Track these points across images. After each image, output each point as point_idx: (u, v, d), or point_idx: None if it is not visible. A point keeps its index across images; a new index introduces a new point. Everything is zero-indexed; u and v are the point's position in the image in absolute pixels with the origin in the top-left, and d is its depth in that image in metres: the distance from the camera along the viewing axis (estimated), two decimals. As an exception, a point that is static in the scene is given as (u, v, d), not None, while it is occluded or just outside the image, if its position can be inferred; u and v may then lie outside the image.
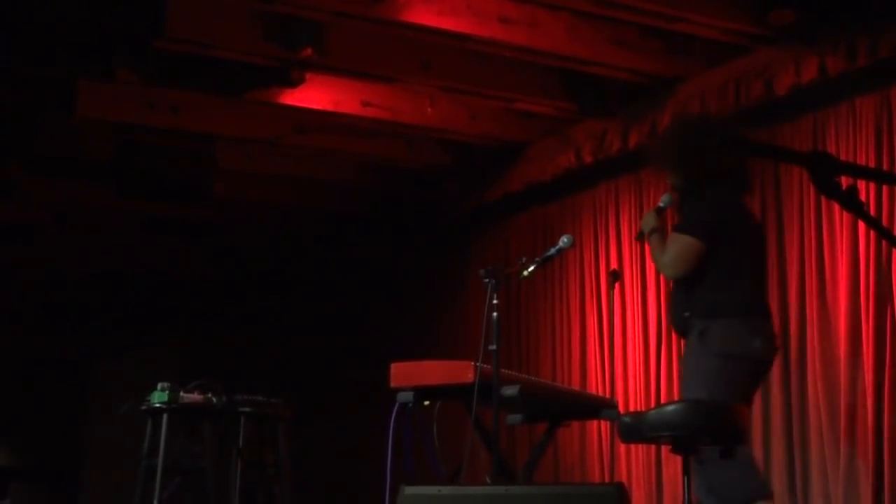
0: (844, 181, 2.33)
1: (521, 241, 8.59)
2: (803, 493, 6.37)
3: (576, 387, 7.66)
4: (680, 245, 5.13)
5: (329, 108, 7.56)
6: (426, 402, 5.31)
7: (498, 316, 5.00)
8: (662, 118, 7.25)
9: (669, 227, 5.56)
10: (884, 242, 5.98)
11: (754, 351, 5.09)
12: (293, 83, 7.20)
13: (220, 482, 6.73)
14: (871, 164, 6.11)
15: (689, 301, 5.17)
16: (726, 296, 5.10)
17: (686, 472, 5.27)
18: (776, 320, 6.59)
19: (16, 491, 15.14)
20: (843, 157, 6.14)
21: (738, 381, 5.06)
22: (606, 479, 7.40)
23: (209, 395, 6.62)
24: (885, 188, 6.02)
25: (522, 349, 8.50)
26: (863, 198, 2.30)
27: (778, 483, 6.48)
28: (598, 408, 5.75)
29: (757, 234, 5.41)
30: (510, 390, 4.97)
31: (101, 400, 15.03)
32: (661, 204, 5.40)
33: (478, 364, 4.90)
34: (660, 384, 7.27)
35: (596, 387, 7.73)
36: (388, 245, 9.87)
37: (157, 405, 6.52)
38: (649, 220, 5.34)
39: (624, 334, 7.57)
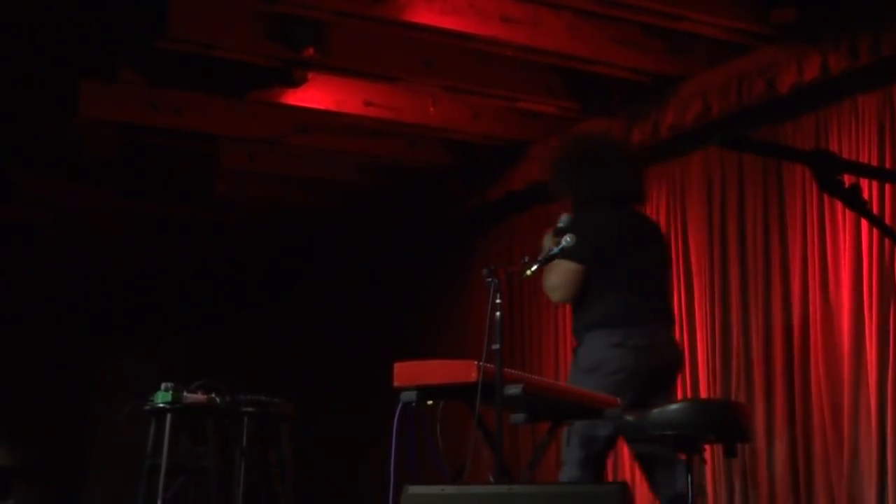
0: (847, 179, 2.32)
1: (523, 240, 8.58)
2: (806, 491, 6.37)
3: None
4: (561, 271, 5.32)
5: (331, 107, 7.57)
6: (429, 402, 5.30)
7: (501, 315, 4.99)
8: (665, 117, 7.25)
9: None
10: (887, 241, 5.98)
11: (614, 361, 5.26)
12: (295, 83, 7.20)
13: (224, 482, 6.73)
14: (874, 162, 6.11)
15: (574, 319, 5.45)
16: (597, 311, 5.32)
17: (689, 471, 5.27)
18: (779, 317, 6.61)
19: (19, 490, 15.16)
20: (845, 156, 6.13)
21: (603, 389, 5.24)
22: (610, 479, 7.39)
23: (212, 395, 6.62)
24: (887, 186, 6.02)
25: (525, 348, 8.50)
26: (865, 196, 2.29)
27: (781, 480, 6.48)
28: (601, 407, 5.75)
29: (650, 244, 5.51)
30: (513, 390, 4.97)
31: (104, 400, 15.05)
32: (559, 224, 5.39)
33: (481, 363, 4.89)
34: (663, 383, 7.26)
35: (599, 386, 7.71)
36: (390, 245, 9.87)
37: (161, 405, 6.52)
38: (546, 242, 5.40)
39: (627, 333, 7.55)
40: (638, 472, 7.31)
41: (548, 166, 5.77)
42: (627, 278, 5.39)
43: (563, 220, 5.45)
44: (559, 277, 5.35)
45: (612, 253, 5.35)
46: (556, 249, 5.33)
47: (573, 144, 5.85)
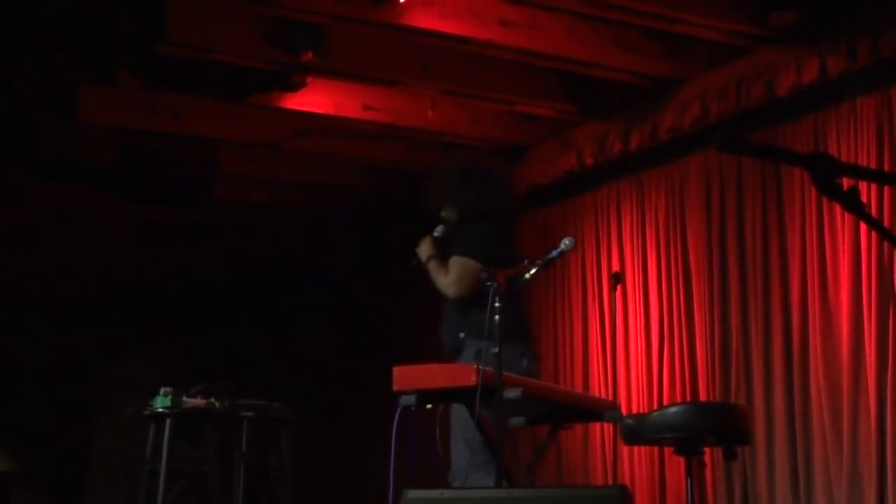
0: (846, 182, 2.32)
1: (522, 243, 8.57)
2: (806, 494, 6.37)
3: (578, 389, 7.66)
4: (462, 266, 5.59)
5: (330, 111, 7.57)
6: (429, 406, 5.31)
7: (500, 319, 5.00)
8: (663, 120, 7.25)
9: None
10: (885, 243, 5.98)
11: (523, 371, 5.41)
12: (294, 87, 7.21)
13: (223, 486, 6.73)
14: (873, 165, 6.10)
15: (463, 322, 5.56)
16: (499, 318, 5.32)
17: (689, 473, 5.28)
18: (778, 320, 6.61)
19: (19, 496, 15.16)
20: (844, 158, 6.14)
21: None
22: (609, 482, 7.40)
23: (212, 400, 6.62)
24: (886, 189, 6.02)
25: (525, 351, 8.49)
26: (864, 199, 2.29)
27: (781, 483, 6.48)
28: (600, 410, 5.75)
29: (518, 262, 5.67)
30: (512, 393, 4.97)
31: (104, 404, 15.05)
32: (435, 234, 5.81)
33: (480, 367, 4.90)
34: (662, 386, 7.27)
35: (598, 389, 7.72)
36: (389, 248, 9.86)
37: (160, 410, 6.52)
38: (426, 248, 5.78)
39: (626, 336, 7.57)
40: (637, 474, 7.32)
41: (436, 177, 5.97)
42: (518, 291, 5.55)
43: (439, 229, 5.81)
44: (462, 272, 5.56)
45: (503, 263, 5.48)
46: (555, 252, 5.34)
47: (465, 161, 6.14)
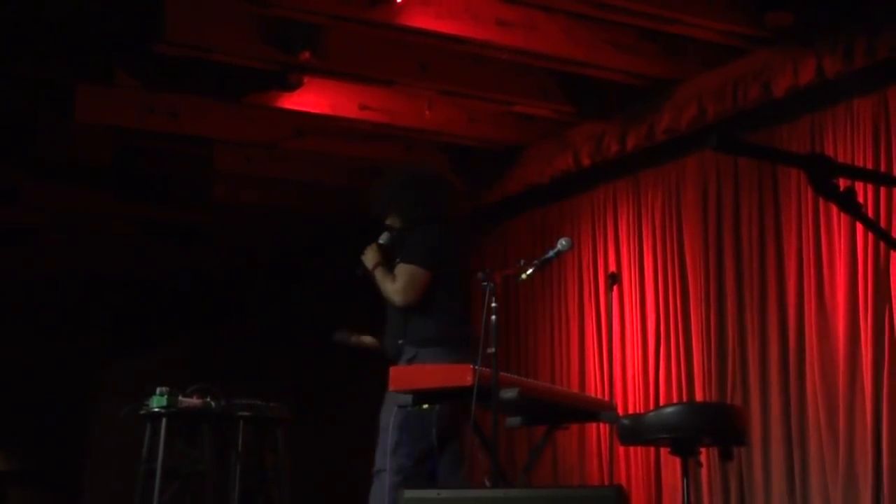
0: (842, 183, 2.33)
1: (519, 243, 8.59)
2: (802, 494, 6.37)
3: (574, 389, 7.66)
4: (409, 274, 5.59)
5: (327, 111, 7.57)
6: (425, 406, 5.32)
7: (496, 319, 5.00)
8: (660, 120, 7.26)
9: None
10: (882, 244, 5.98)
11: None
12: (291, 87, 7.21)
13: (219, 486, 6.74)
14: (869, 166, 6.11)
15: (403, 328, 5.61)
16: (436, 325, 5.55)
17: (685, 474, 5.28)
18: (775, 320, 6.62)
19: (15, 495, 15.15)
20: (840, 159, 6.14)
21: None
22: (605, 482, 7.40)
23: (208, 399, 6.63)
24: (882, 189, 6.02)
25: (521, 352, 8.50)
26: (861, 199, 2.30)
27: (777, 483, 6.48)
28: (596, 410, 5.75)
29: (462, 269, 5.79)
30: (509, 393, 4.98)
31: (100, 404, 15.03)
32: (380, 241, 5.85)
33: (476, 367, 4.90)
34: (658, 386, 7.27)
35: (595, 389, 7.73)
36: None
37: (156, 409, 6.53)
38: (371, 257, 5.78)
39: (623, 337, 7.57)
40: (633, 474, 7.32)
41: (378, 187, 6.00)
42: (459, 297, 5.67)
43: (384, 237, 5.84)
44: (410, 280, 5.57)
45: (448, 270, 5.62)
46: (551, 253, 5.35)
47: (405, 169, 6.17)
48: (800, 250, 6.52)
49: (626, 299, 7.60)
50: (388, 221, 5.90)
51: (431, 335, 5.53)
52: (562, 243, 5.37)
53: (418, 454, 5.36)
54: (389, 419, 5.42)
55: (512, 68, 7.18)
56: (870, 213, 5.93)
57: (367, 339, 5.95)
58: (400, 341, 5.59)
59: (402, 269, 5.61)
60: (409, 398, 5.27)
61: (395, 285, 5.60)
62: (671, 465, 6.89)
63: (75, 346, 14.59)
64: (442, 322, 5.56)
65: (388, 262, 5.74)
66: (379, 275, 5.70)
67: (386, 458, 5.43)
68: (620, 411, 6.81)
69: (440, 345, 5.49)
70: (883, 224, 5.95)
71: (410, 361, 5.48)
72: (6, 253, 10.65)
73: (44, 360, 14.81)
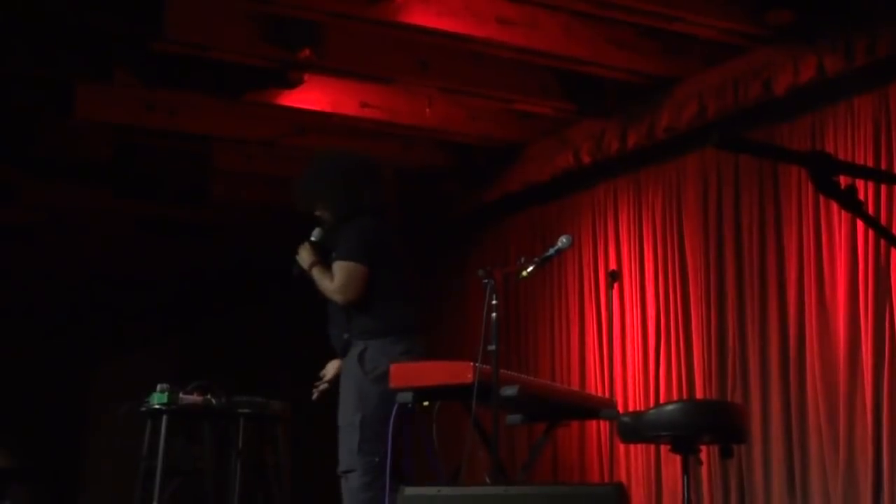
0: (843, 180, 2.33)
1: (519, 241, 8.59)
2: (802, 493, 6.37)
3: (575, 387, 7.66)
4: (347, 271, 5.46)
5: (327, 109, 7.56)
6: (425, 403, 5.31)
7: (497, 316, 4.99)
8: (660, 118, 7.25)
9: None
10: (882, 242, 5.98)
11: None
12: (291, 84, 7.20)
13: (220, 483, 6.73)
14: (870, 164, 6.11)
15: (348, 323, 5.52)
16: (382, 317, 5.47)
17: (686, 471, 5.28)
18: (775, 317, 6.62)
19: (15, 492, 15.13)
20: (841, 157, 6.13)
21: (384, 399, 5.30)
22: (606, 479, 7.40)
23: (208, 397, 6.62)
24: (883, 187, 6.03)
25: (521, 350, 8.50)
26: (861, 197, 2.29)
27: (777, 481, 6.49)
28: (597, 408, 5.75)
29: (404, 257, 5.68)
30: (509, 391, 4.98)
31: (100, 401, 15.03)
32: (312, 238, 5.74)
33: (477, 364, 4.90)
34: (659, 384, 7.28)
35: (595, 387, 7.73)
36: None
37: (157, 406, 6.52)
38: (306, 256, 5.68)
39: (623, 334, 7.57)
40: (633, 472, 7.32)
41: (305, 179, 5.88)
42: (402, 287, 5.57)
43: (316, 234, 5.74)
44: (348, 277, 5.45)
45: (385, 260, 5.52)
46: (552, 250, 5.35)
47: (333, 158, 5.97)
48: (800, 248, 6.52)
49: (627, 297, 7.60)
50: (318, 213, 5.76)
51: (377, 327, 5.45)
52: (562, 241, 5.37)
53: (383, 452, 5.31)
54: (352, 417, 5.41)
55: (512, 66, 7.17)
56: (870, 211, 5.93)
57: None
58: (346, 335, 5.52)
59: (340, 267, 5.49)
60: (374, 394, 5.24)
61: (334, 284, 5.49)
62: (671, 463, 6.89)
63: (74, 344, 14.59)
64: (384, 314, 5.46)
65: (324, 258, 5.61)
66: (316, 274, 5.59)
67: (354, 457, 5.40)
68: (621, 409, 6.80)
69: (387, 335, 5.43)
70: (883, 222, 5.95)
71: (363, 354, 5.43)
72: (5, 250, 10.64)
73: (42, 357, 14.81)
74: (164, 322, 13.47)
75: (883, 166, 6.10)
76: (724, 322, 6.94)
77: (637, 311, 7.53)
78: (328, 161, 5.90)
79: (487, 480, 5.22)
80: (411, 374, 5.23)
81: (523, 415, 5.76)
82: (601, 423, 7.34)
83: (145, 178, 8.52)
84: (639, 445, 7.09)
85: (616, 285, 7.37)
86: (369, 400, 5.39)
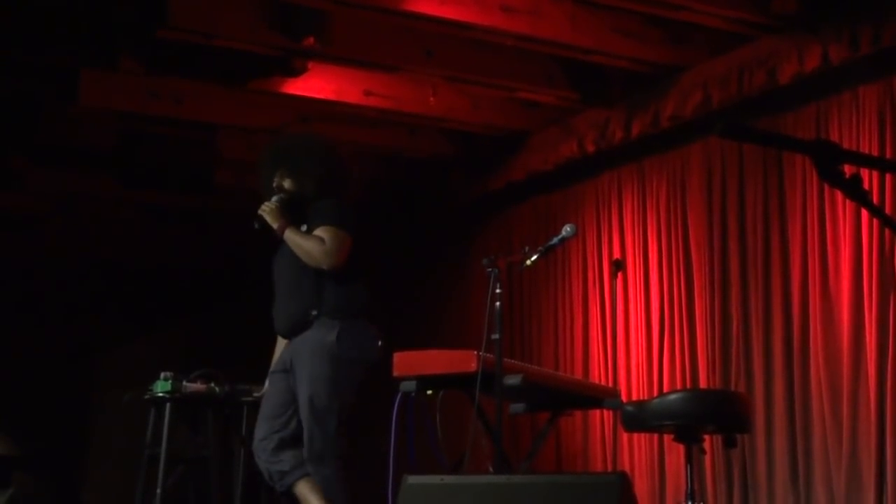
0: (848, 169, 2.32)
1: (523, 230, 8.58)
2: (805, 481, 6.38)
3: (578, 376, 7.67)
4: (337, 236, 5.25)
5: (331, 97, 7.56)
6: (429, 392, 5.32)
7: (500, 305, 5.00)
8: (665, 107, 7.24)
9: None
10: (887, 231, 5.98)
11: (372, 353, 5.33)
12: (295, 72, 7.20)
13: (223, 471, 6.74)
14: (875, 153, 6.10)
15: (317, 297, 5.27)
16: (354, 297, 5.32)
17: (689, 461, 5.29)
18: (779, 307, 6.62)
19: (19, 479, 15.16)
20: (846, 146, 6.13)
21: (359, 383, 5.26)
22: (609, 469, 7.41)
23: (212, 385, 6.63)
24: (888, 176, 6.02)
25: (525, 338, 8.50)
26: (866, 186, 2.29)
27: (780, 471, 6.49)
28: (600, 397, 5.76)
29: (366, 241, 5.58)
30: (513, 380, 4.99)
31: (104, 389, 15.05)
32: (275, 200, 5.48)
33: (480, 353, 4.91)
34: (662, 373, 7.28)
35: (598, 376, 7.73)
36: (390, 235, 9.86)
37: (160, 394, 6.53)
38: (276, 214, 5.41)
39: (626, 323, 7.57)
40: (637, 461, 7.33)
41: (287, 143, 5.74)
42: (367, 272, 5.44)
43: (277, 197, 5.50)
44: (340, 244, 5.25)
45: (360, 240, 5.39)
46: (556, 239, 5.35)
47: (315, 137, 5.89)
48: (804, 237, 6.52)
49: (631, 286, 7.59)
50: (282, 184, 5.53)
51: (350, 307, 5.28)
52: (566, 230, 5.37)
53: (351, 438, 5.22)
54: (328, 401, 5.18)
55: (516, 55, 7.17)
56: (875, 200, 5.92)
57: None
58: (314, 312, 5.26)
59: (329, 231, 5.26)
60: (350, 378, 5.15)
61: (325, 246, 5.23)
62: (675, 452, 6.89)
63: (78, 332, 14.61)
64: (356, 294, 5.32)
65: (291, 221, 5.39)
66: (293, 234, 5.32)
67: (330, 442, 5.20)
68: (624, 398, 6.81)
69: (358, 317, 5.29)
70: (888, 210, 5.94)
71: (341, 335, 5.21)
72: (9, 238, 10.65)
73: (46, 344, 14.83)
74: (167, 310, 13.48)
75: (888, 155, 6.10)
76: (727, 311, 6.94)
77: (641, 300, 7.53)
78: (310, 138, 5.85)
79: (490, 469, 5.23)
80: (415, 362, 5.23)
81: (527, 404, 5.77)
82: (605, 412, 7.34)
83: (150, 166, 8.54)
84: (642, 435, 7.10)
85: (620, 274, 7.37)
86: (346, 384, 5.24)
